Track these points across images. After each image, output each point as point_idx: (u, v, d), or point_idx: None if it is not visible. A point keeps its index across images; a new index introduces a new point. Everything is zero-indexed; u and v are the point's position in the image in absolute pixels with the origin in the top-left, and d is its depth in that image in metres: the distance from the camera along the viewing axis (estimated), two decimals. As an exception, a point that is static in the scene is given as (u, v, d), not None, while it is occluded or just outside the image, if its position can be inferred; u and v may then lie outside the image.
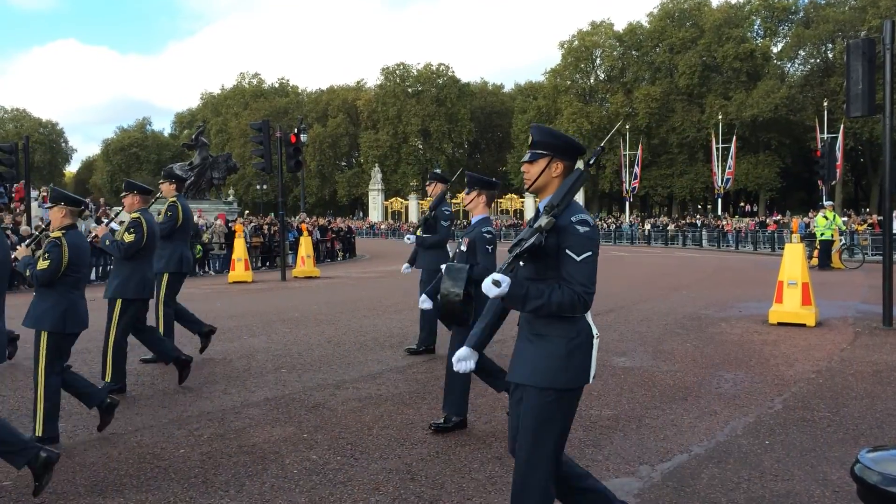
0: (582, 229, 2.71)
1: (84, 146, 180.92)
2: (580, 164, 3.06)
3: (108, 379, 6.14)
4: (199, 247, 22.18)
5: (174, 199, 7.66)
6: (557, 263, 2.72)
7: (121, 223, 6.44)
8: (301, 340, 8.85)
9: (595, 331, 2.89)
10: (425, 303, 5.82)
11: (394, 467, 4.30)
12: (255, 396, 6.05)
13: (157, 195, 7.58)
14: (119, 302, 6.26)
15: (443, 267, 3.92)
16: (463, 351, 3.08)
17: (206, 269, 22.82)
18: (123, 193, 6.61)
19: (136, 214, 6.36)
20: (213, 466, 4.34)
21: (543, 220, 2.67)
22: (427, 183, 8.29)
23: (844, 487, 3.88)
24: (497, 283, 2.62)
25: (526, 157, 2.91)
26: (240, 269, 18.59)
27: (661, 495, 3.86)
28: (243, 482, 4.08)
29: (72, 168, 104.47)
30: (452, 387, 5.06)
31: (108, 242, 6.23)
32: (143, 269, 6.31)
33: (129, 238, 6.19)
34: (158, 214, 7.48)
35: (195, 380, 6.68)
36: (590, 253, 2.73)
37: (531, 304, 2.69)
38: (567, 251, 2.70)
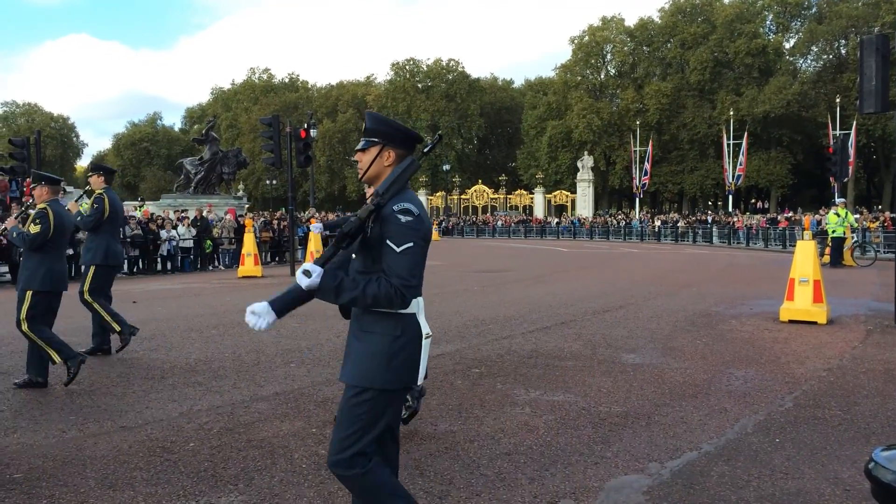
0: (404, 218, 2.59)
1: (95, 140, 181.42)
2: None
3: (57, 361, 6.19)
4: (208, 241, 22.27)
5: (101, 191, 7.61)
6: (380, 255, 2.62)
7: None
8: (310, 335, 8.87)
9: (426, 330, 2.74)
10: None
11: (402, 463, 4.29)
12: (264, 391, 6.06)
13: (86, 187, 7.72)
14: (28, 294, 6.18)
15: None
16: (260, 305, 2.72)
17: (216, 263, 22.90)
18: (32, 185, 6.60)
19: (43, 205, 6.33)
20: (222, 460, 4.35)
21: (364, 209, 2.59)
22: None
23: (855, 486, 3.85)
24: (307, 273, 2.56)
25: (358, 146, 2.81)
26: (249, 263, 18.65)
27: (670, 493, 3.84)
28: (252, 476, 4.09)
29: (83, 162, 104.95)
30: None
31: (14, 234, 6.26)
32: (50, 261, 6.23)
33: (34, 229, 6.14)
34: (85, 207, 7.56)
35: (204, 374, 6.71)
36: (411, 244, 2.59)
37: (345, 296, 2.58)
38: (387, 241, 2.58)
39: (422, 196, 69.15)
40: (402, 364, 2.67)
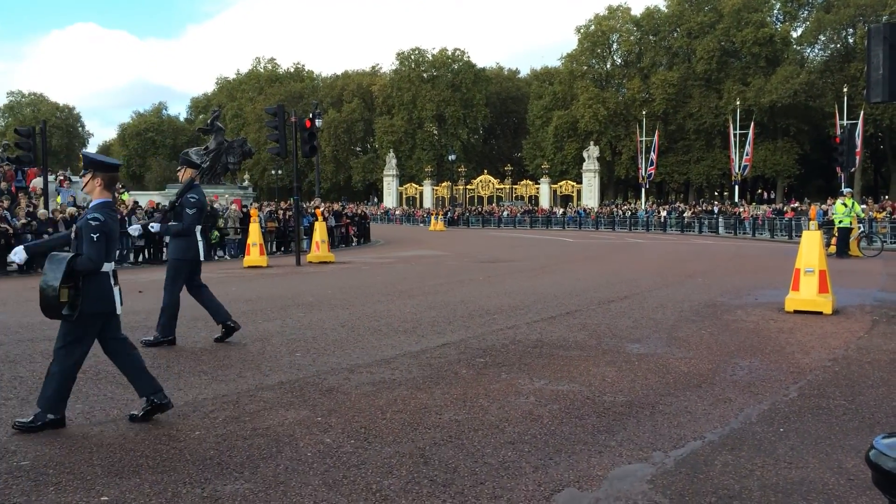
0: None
1: (101, 130, 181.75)
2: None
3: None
4: (215, 232, 22.30)
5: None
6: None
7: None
8: (315, 325, 8.89)
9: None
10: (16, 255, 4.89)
11: (407, 451, 4.32)
12: (269, 380, 6.08)
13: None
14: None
15: (49, 255, 4.54)
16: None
17: (222, 253, 22.95)
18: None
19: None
20: (227, 449, 4.37)
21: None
22: (177, 169, 8.12)
23: (859, 476, 3.85)
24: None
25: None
26: (255, 253, 18.68)
27: (673, 481, 3.85)
28: (258, 464, 4.11)
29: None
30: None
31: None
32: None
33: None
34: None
35: (210, 363, 6.74)
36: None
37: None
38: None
39: (427, 186, 69.20)
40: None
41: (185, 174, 7.78)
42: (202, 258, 8.02)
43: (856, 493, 3.67)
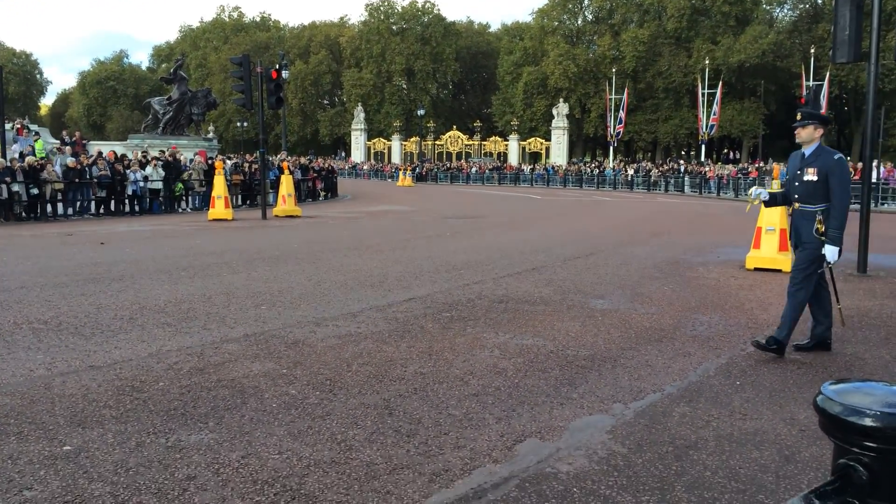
0: None
1: (60, 78, 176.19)
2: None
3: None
4: (179, 184, 21.96)
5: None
6: None
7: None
8: (281, 278, 8.86)
9: None
10: None
11: (372, 403, 4.36)
12: (234, 332, 6.07)
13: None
14: None
15: None
16: None
17: (186, 206, 22.64)
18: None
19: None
20: (192, 399, 4.37)
21: None
22: None
23: (811, 427, 3.99)
24: None
25: None
26: (220, 206, 18.47)
27: (632, 432, 3.95)
28: (222, 415, 4.12)
29: (47, 101, 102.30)
30: None
31: None
32: None
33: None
34: None
35: (174, 315, 6.69)
36: None
37: None
38: None
39: (395, 141, 68.66)
40: None
41: None
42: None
43: (807, 443, 3.81)
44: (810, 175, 5.44)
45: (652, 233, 15.34)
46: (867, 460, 1.20)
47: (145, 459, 3.50)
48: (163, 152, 22.46)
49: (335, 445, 3.70)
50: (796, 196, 5.57)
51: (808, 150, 5.54)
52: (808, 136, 5.54)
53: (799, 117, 5.67)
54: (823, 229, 5.38)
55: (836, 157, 5.42)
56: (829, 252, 5.39)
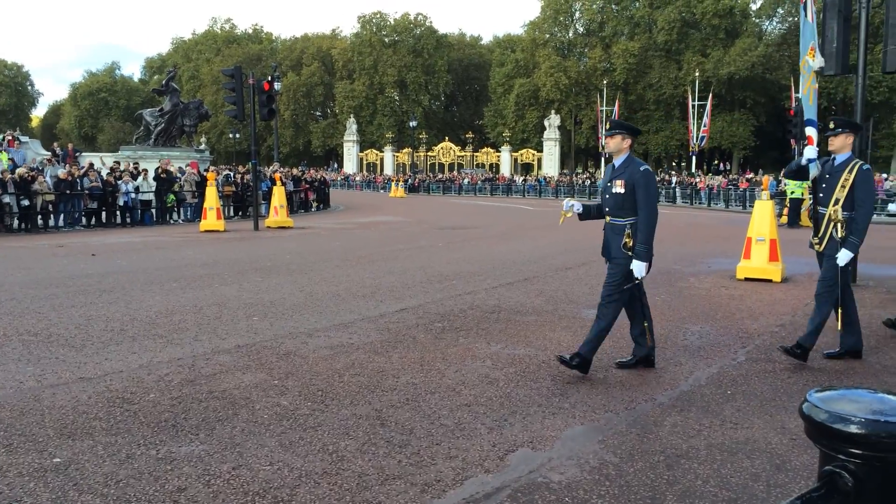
0: None
1: (52, 89, 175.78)
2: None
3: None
4: (171, 196, 21.91)
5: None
6: None
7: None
8: (273, 289, 8.84)
9: None
10: None
11: (364, 413, 4.36)
12: (226, 343, 6.05)
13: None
14: None
15: None
16: None
17: (177, 217, 22.58)
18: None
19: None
20: (183, 411, 4.35)
21: None
22: None
23: (801, 435, 4.00)
24: None
25: None
26: (212, 217, 18.43)
27: (624, 441, 3.95)
28: (213, 426, 4.10)
29: (38, 112, 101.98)
30: None
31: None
32: None
33: None
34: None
35: (165, 326, 6.67)
36: None
37: None
38: None
39: (388, 153, 68.71)
40: None
41: None
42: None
43: (798, 452, 3.82)
44: (618, 187, 5.17)
45: (643, 243, 15.37)
46: (853, 467, 1.21)
47: (136, 471, 3.49)
48: (164, 165, 22.34)
49: (326, 456, 3.70)
50: (607, 209, 5.33)
51: (617, 161, 5.27)
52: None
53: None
54: (631, 244, 5.14)
55: (641, 168, 5.14)
56: (636, 268, 5.14)
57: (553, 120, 61.13)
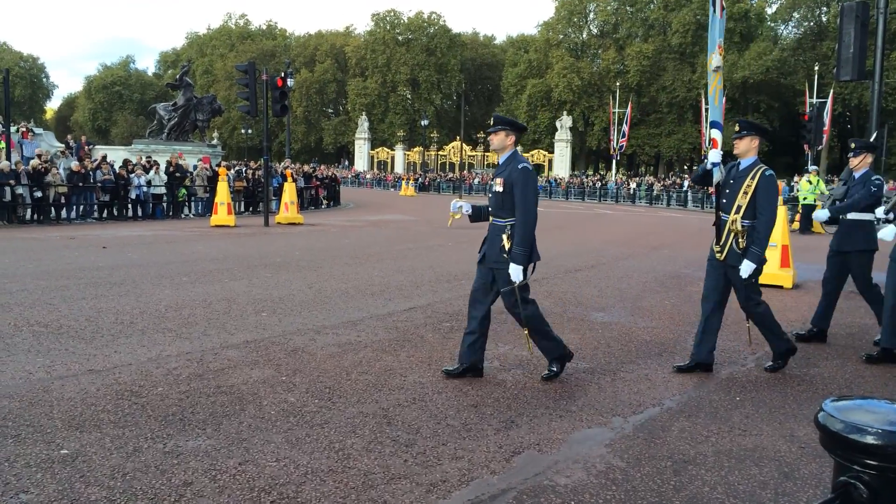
0: None
1: (67, 81, 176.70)
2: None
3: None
4: (182, 190, 21.99)
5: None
6: None
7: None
8: (282, 285, 8.85)
9: None
10: None
11: (370, 412, 4.35)
12: (234, 339, 6.06)
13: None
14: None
15: None
16: None
17: (188, 212, 22.66)
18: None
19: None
20: (190, 405, 4.36)
21: None
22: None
23: (810, 444, 3.97)
24: None
25: None
26: (222, 212, 18.47)
27: (631, 445, 3.93)
28: (220, 421, 4.11)
29: (53, 104, 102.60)
30: None
31: None
32: None
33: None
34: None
35: (174, 321, 6.68)
36: None
37: None
38: None
39: (398, 151, 68.79)
40: None
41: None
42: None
43: (806, 460, 3.79)
44: (498, 186, 4.92)
45: (654, 246, 15.33)
46: (868, 478, 1.19)
47: (142, 464, 3.49)
48: (170, 163, 22.42)
49: (333, 454, 3.69)
50: (490, 209, 5.08)
51: (501, 159, 5.03)
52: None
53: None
54: (509, 246, 4.88)
55: (520, 166, 4.83)
56: (513, 271, 4.88)
57: (565, 121, 61.05)
